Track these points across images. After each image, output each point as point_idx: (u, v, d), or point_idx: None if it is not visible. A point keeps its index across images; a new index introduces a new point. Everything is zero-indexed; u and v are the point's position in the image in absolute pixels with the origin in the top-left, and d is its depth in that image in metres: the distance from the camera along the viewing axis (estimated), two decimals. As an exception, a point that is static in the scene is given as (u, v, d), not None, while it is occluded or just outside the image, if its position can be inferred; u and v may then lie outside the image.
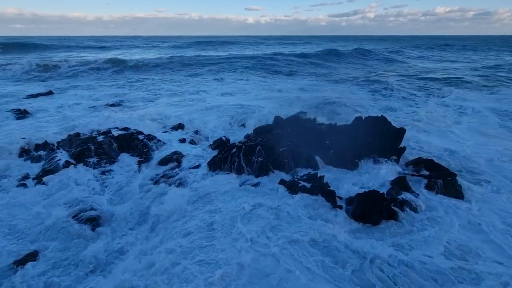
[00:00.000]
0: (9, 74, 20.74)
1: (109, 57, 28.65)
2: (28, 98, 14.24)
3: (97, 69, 23.79)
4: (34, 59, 26.03)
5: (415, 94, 15.74)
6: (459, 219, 4.98)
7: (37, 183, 6.01)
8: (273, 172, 6.54)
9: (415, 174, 6.33)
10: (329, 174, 6.39)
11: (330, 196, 5.40)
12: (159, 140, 8.25)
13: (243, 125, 10.14)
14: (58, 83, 18.86)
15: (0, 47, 37.74)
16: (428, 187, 5.77)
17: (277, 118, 9.20)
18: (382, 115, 7.56)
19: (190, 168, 6.85)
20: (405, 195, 5.36)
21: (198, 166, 6.91)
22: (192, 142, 8.55)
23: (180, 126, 9.63)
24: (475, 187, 5.97)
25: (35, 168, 6.75)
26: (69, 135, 8.04)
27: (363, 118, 7.62)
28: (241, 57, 34.12)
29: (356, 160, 6.73)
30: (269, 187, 5.96)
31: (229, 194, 5.74)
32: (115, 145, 7.63)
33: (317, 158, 6.89)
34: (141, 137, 8.07)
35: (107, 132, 8.23)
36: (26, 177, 6.29)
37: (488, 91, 16.75)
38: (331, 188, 5.64)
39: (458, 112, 12.26)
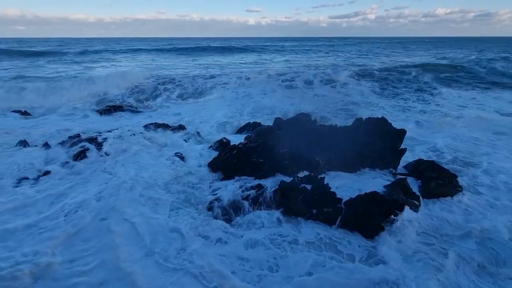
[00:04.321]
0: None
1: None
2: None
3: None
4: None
5: None
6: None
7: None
8: (273, 173, 6.51)
9: (415, 175, 6.30)
10: (330, 176, 6.37)
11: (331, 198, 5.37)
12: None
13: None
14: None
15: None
16: (428, 188, 5.74)
17: (278, 119, 9.15)
18: (382, 116, 7.52)
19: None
20: (406, 197, 5.33)
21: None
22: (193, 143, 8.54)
23: (180, 128, 9.64)
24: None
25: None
26: (69, 136, 8.07)
27: (364, 119, 7.59)
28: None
29: (357, 161, 6.70)
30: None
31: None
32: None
33: (318, 159, 6.86)
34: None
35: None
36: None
37: None
38: (331, 190, 5.62)
39: None
